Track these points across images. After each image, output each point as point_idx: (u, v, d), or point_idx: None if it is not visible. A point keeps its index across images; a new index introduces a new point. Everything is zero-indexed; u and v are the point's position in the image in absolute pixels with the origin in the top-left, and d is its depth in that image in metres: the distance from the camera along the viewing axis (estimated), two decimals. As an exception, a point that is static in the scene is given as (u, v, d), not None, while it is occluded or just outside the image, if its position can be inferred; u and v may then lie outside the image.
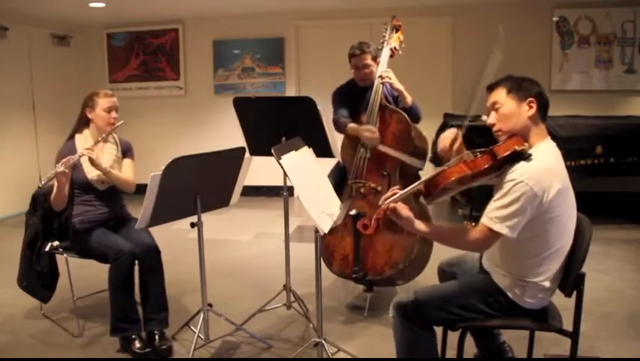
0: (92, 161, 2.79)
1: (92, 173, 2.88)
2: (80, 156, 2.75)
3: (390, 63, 3.32)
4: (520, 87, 1.95)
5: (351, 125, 3.28)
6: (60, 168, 2.66)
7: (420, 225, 1.96)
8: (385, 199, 1.99)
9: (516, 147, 1.85)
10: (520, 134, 1.92)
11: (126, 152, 3.08)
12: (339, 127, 3.36)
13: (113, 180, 2.91)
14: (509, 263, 1.97)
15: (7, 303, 3.43)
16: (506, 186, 1.84)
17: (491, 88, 2.02)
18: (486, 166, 1.88)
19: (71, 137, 2.99)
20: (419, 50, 4.18)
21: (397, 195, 1.98)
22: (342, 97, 3.46)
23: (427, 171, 3.32)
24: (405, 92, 3.26)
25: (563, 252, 1.94)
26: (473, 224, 4.61)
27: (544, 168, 1.84)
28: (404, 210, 1.96)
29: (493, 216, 1.85)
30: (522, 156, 1.85)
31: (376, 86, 3.20)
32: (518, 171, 1.83)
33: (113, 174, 2.90)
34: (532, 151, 1.88)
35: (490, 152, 1.89)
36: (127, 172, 3.02)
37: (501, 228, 1.83)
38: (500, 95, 1.97)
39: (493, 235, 1.86)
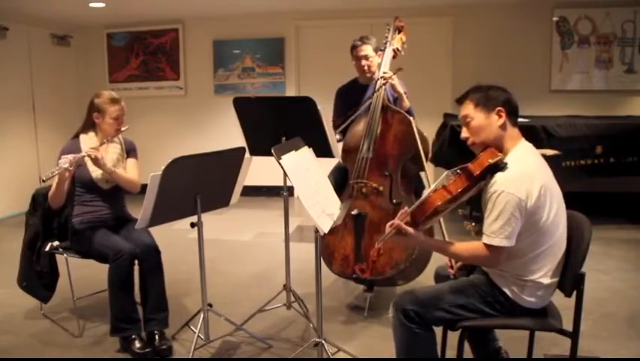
0: (96, 161, 2.79)
1: (96, 172, 2.88)
2: (85, 156, 2.75)
3: (391, 63, 3.33)
4: (488, 98, 1.98)
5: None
6: (65, 164, 2.66)
7: (428, 239, 1.99)
8: (380, 241, 2.03)
9: (490, 161, 1.89)
10: (494, 144, 1.96)
11: (130, 151, 3.07)
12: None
13: (117, 181, 2.92)
14: (506, 263, 1.97)
15: (7, 303, 3.43)
16: (491, 200, 1.89)
17: (460, 101, 2.05)
18: (464, 187, 1.91)
19: (76, 136, 2.99)
20: (420, 50, 4.18)
21: (388, 232, 1.99)
22: (342, 98, 3.50)
23: (428, 171, 3.34)
24: (404, 96, 3.28)
25: (557, 248, 1.95)
26: (473, 224, 4.61)
27: (521, 172, 1.88)
28: (410, 228, 1.96)
29: (489, 232, 1.89)
30: (498, 167, 1.89)
31: (379, 86, 3.21)
32: (497, 183, 1.87)
33: (118, 174, 2.90)
34: (508, 158, 1.92)
35: (466, 171, 1.92)
36: (131, 172, 3.02)
37: (499, 241, 1.86)
38: (469, 109, 2.00)
39: (496, 250, 1.89)
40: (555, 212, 1.92)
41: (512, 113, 1.98)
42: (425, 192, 2.02)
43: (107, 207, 2.97)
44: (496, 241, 1.87)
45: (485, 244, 1.90)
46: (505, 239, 1.86)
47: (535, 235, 1.90)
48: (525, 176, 1.87)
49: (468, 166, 1.91)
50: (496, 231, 1.86)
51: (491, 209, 1.88)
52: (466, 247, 1.97)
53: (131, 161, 3.06)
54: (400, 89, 3.27)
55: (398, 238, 1.99)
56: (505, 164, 1.89)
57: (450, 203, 1.94)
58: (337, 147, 3.08)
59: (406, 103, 3.30)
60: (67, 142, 2.98)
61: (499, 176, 1.88)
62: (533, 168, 1.92)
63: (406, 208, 2.04)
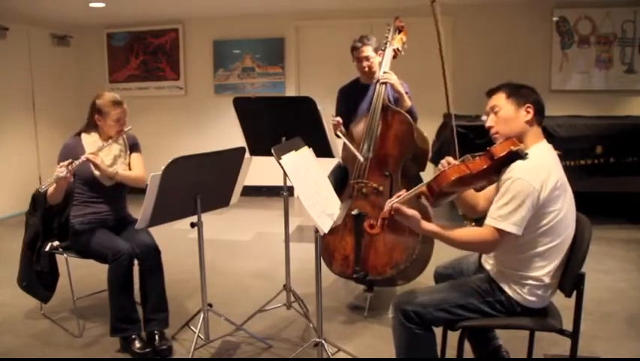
0: (96, 166, 2.78)
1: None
2: (83, 161, 2.74)
3: (392, 64, 3.33)
4: (519, 93, 2.01)
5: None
6: (61, 173, 2.65)
7: (427, 224, 1.96)
8: (390, 201, 1.99)
9: (512, 148, 1.90)
10: (516, 138, 1.96)
11: (133, 146, 3.06)
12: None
13: (122, 181, 2.91)
14: (508, 258, 1.97)
15: (7, 303, 3.43)
16: (505, 185, 1.88)
17: (491, 93, 2.08)
18: (485, 166, 1.91)
19: (79, 134, 2.97)
20: (420, 50, 4.18)
21: (401, 197, 1.98)
22: (344, 98, 3.51)
23: (428, 171, 3.34)
24: (405, 96, 3.28)
25: (562, 247, 1.95)
26: (473, 224, 4.61)
27: (539, 164, 1.89)
28: (409, 210, 1.95)
29: (497, 215, 1.87)
30: (518, 155, 1.89)
31: (379, 86, 3.21)
32: (514, 170, 1.88)
33: (120, 175, 2.89)
34: (528, 151, 1.92)
35: (488, 153, 1.93)
36: (136, 167, 3.01)
37: (506, 226, 1.85)
38: (500, 99, 2.03)
39: (500, 235, 1.87)
40: (566, 212, 1.92)
41: (540, 113, 2.00)
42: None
43: (108, 208, 2.97)
44: (502, 225, 1.85)
45: (492, 228, 1.87)
46: (513, 225, 1.84)
47: (544, 230, 1.90)
48: (542, 167, 1.88)
49: (490, 149, 1.92)
50: (505, 215, 1.85)
51: (503, 194, 1.87)
52: (466, 232, 1.96)
53: (134, 156, 3.05)
54: (400, 88, 3.27)
55: (400, 218, 1.96)
56: (526, 153, 1.89)
57: (465, 182, 1.93)
58: (337, 147, 3.08)
59: (407, 103, 3.30)
60: (69, 138, 2.96)
61: (517, 164, 1.88)
62: (550, 163, 1.93)
63: (404, 190, 2.03)
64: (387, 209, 1.98)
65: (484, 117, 2.11)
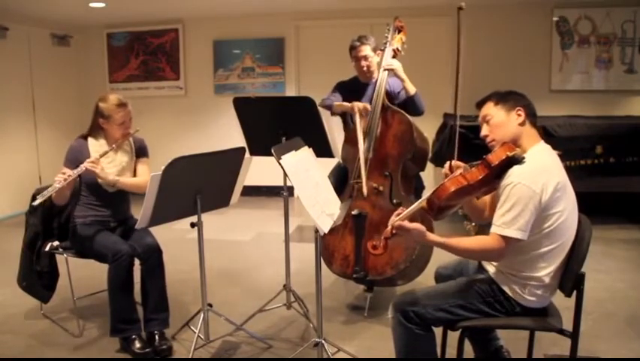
0: (97, 175, 2.77)
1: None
2: (83, 170, 2.72)
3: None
4: (508, 98, 2.03)
5: (338, 103, 3.31)
6: (58, 184, 2.64)
7: (432, 236, 1.97)
8: (392, 220, 2.00)
9: (508, 153, 1.90)
10: (512, 142, 1.97)
11: (140, 150, 3.05)
12: (325, 106, 3.38)
13: (123, 188, 2.91)
14: (510, 260, 1.97)
15: (7, 303, 3.43)
16: (505, 192, 1.88)
17: (480, 104, 2.10)
18: (482, 176, 1.91)
19: (86, 137, 2.94)
20: (419, 50, 4.20)
21: (402, 214, 1.98)
22: (341, 88, 3.51)
23: (428, 171, 3.34)
24: (407, 82, 3.28)
25: (564, 248, 1.95)
26: (473, 224, 4.61)
27: (538, 167, 1.89)
28: (412, 224, 1.96)
29: (500, 223, 1.88)
30: (516, 160, 1.90)
31: (379, 85, 3.22)
32: (514, 175, 1.88)
33: (122, 183, 2.87)
34: (525, 155, 1.93)
35: (484, 162, 1.93)
36: (141, 173, 3.00)
37: (511, 232, 1.85)
38: (489, 107, 2.05)
39: (506, 242, 1.87)
40: (569, 213, 1.92)
41: (532, 114, 2.01)
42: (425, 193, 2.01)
43: (111, 211, 2.97)
44: (508, 232, 1.85)
45: (497, 235, 1.87)
46: (519, 231, 1.84)
47: (547, 233, 1.90)
48: (541, 170, 1.88)
49: (486, 157, 1.92)
50: (509, 222, 1.85)
51: (505, 200, 1.87)
52: (472, 241, 1.96)
53: (140, 161, 3.03)
54: (403, 75, 3.27)
55: (404, 233, 1.97)
56: (523, 158, 1.90)
57: (464, 192, 1.93)
58: (337, 147, 3.08)
59: (410, 88, 3.29)
60: (75, 140, 2.93)
61: (515, 169, 1.88)
62: (550, 165, 1.92)
63: (401, 208, 2.04)
64: (389, 229, 1.99)
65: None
